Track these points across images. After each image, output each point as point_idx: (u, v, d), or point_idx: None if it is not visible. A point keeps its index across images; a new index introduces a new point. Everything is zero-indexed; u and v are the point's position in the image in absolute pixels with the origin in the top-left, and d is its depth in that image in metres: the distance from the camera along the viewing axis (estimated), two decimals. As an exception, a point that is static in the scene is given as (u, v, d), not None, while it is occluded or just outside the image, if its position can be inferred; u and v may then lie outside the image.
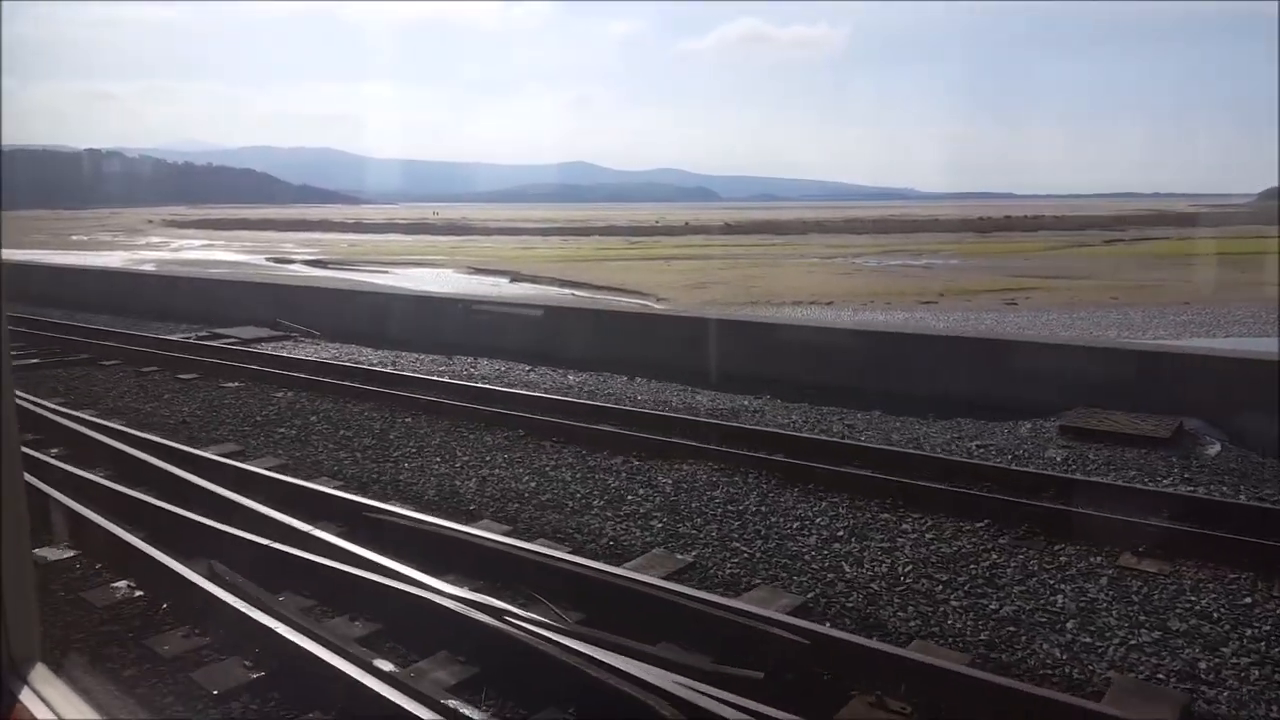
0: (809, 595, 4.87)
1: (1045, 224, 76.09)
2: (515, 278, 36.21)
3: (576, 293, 30.93)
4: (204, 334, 14.28)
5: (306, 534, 5.36)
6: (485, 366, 11.82)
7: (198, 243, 65.36)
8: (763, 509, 6.22)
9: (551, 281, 34.38)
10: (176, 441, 7.70)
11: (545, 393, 9.92)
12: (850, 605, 4.77)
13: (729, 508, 6.26)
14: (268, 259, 48.29)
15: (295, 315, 15.34)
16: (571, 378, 11.01)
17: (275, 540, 5.20)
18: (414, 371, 11.32)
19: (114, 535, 5.33)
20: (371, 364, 11.87)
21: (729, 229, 78.74)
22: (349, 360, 12.22)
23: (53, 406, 8.91)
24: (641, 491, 6.65)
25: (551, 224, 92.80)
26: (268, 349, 13.29)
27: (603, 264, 42.64)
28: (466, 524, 5.73)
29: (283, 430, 8.57)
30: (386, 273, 38.99)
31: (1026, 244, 54.40)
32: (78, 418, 8.41)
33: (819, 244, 57.53)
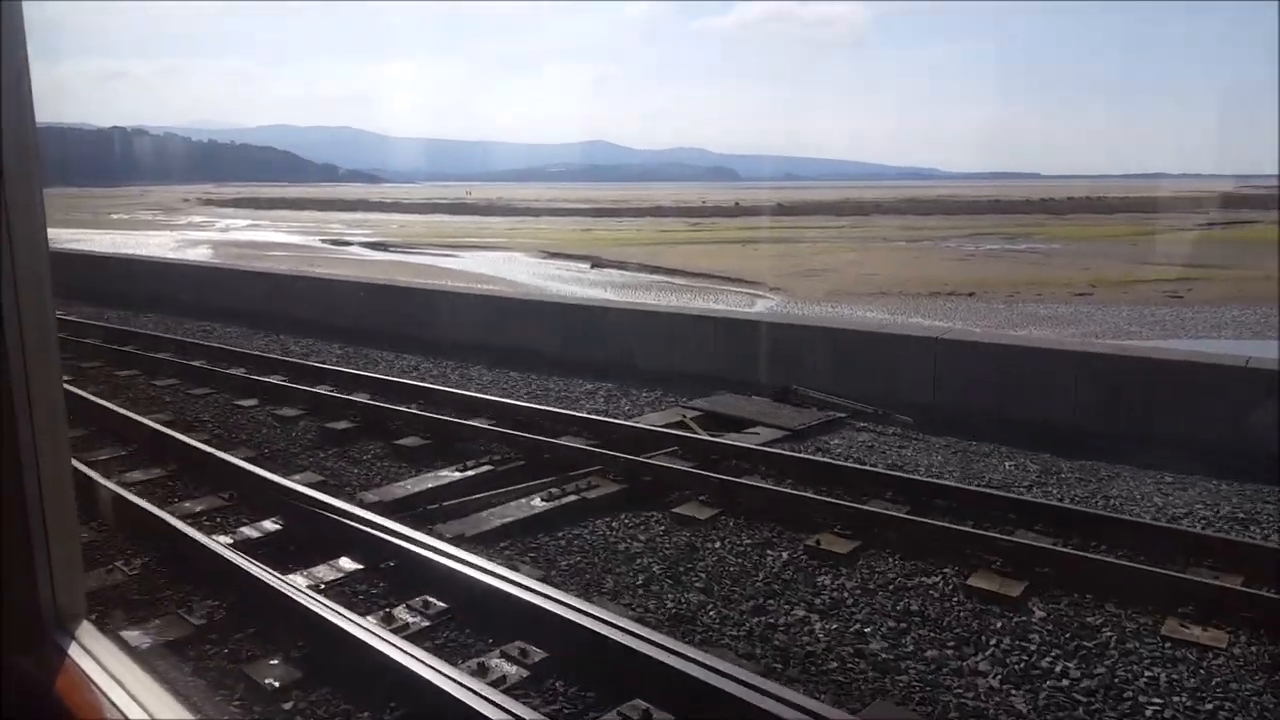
0: None
1: (1115, 205, 72.97)
2: (596, 263, 34.08)
3: (674, 280, 28.79)
4: (700, 413, 8.26)
5: None
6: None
7: (243, 222, 63.59)
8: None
9: (638, 268, 32.18)
10: None
11: None
12: None
13: None
14: (322, 240, 46.43)
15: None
16: None
17: None
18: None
19: None
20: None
21: (783, 210, 76.20)
22: (1094, 506, 6.06)
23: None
24: None
25: (594, 204, 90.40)
26: (878, 460, 7.05)
27: (677, 248, 40.44)
28: None
29: None
30: (454, 256, 37.04)
31: (1114, 227, 51.58)
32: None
33: (890, 226, 54.94)
